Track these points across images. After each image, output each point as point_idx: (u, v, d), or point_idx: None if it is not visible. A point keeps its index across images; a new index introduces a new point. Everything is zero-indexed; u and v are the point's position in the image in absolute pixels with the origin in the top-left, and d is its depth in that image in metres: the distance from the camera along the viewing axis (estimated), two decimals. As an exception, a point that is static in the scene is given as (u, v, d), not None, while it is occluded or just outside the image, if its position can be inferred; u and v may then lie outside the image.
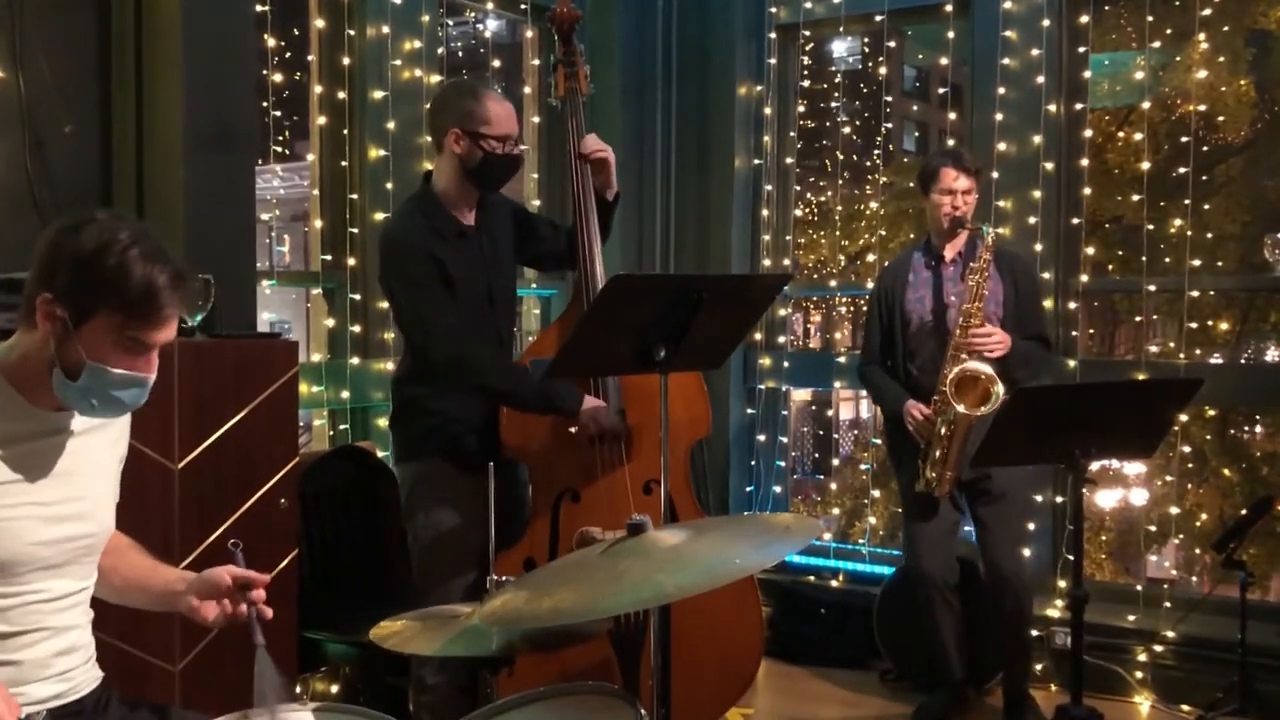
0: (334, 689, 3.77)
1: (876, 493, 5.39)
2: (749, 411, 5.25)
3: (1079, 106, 4.55)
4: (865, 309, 4.42)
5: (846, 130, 5.85)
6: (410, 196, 3.20)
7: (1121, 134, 7.81)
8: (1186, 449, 5.42)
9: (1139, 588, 4.41)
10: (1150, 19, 4.40)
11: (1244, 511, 3.92)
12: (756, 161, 5.23)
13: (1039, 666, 4.26)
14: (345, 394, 4.11)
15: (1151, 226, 4.55)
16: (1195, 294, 4.48)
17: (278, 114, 4.04)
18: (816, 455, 11.21)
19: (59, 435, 1.86)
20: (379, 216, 4.13)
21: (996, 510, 3.80)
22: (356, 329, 4.18)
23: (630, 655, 2.87)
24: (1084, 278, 4.57)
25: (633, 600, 1.78)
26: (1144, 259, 4.50)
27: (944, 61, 4.90)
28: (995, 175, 4.51)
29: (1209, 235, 7.33)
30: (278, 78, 3.98)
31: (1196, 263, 4.43)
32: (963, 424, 3.62)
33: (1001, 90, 4.55)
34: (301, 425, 3.73)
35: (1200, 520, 8.03)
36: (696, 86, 5.23)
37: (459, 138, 3.01)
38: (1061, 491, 4.46)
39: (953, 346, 3.66)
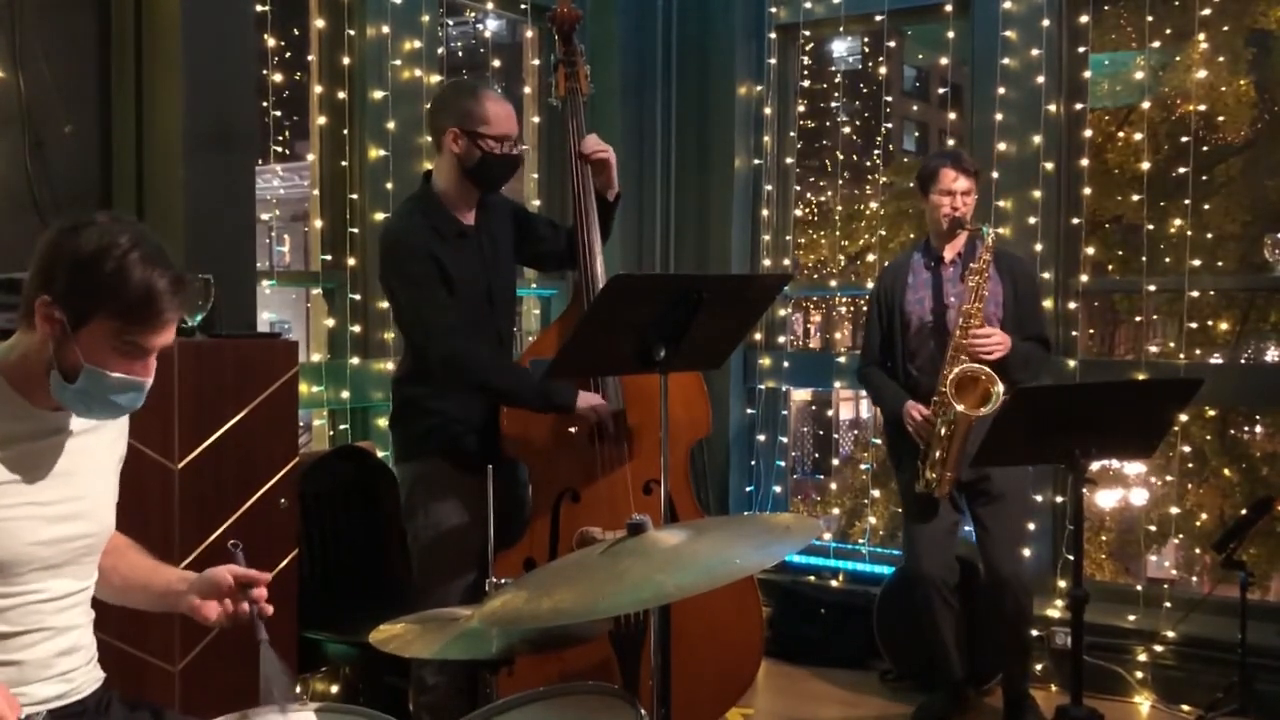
0: (334, 689, 3.78)
1: (876, 493, 5.39)
2: (749, 411, 5.24)
3: (1079, 106, 4.55)
4: (865, 309, 4.41)
5: (846, 130, 5.84)
6: (410, 196, 3.19)
7: (1121, 134, 7.81)
8: (1186, 449, 5.42)
9: (1139, 588, 4.41)
10: (1150, 19, 4.40)
11: (1244, 511, 3.91)
12: (756, 161, 5.23)
13: (1039, 667, 4.26)
14: (345, 394, 4.11)
15: (1151, 226, 4.55)
16: (1195, 294, 4.48)
17: (278, 114, 4.04)
18: (816, 455, 11.20)
19: (58, 435, 1.85)
20: (379, 216, 4.13)
21: (996, 510, 3.80)
22: (356, 329, 4.18)
23: (630, 655, 2.88)
24: (1084, 278, 4.57)
25: (633, 600, 1.78)
26: (1144, 259, 4.50)
27: (944, 61, 4.90)
28: (995, 175, 4.51)
29: (1209, 235, 7.33)
30: (278, 78, 3.98)
31: (1196, 263, 4.43)
32: (962, 424, 3.62)
33: (1001, 90, 4.55)
34: (301, 425, 3.73)
35: (1200, 520, 8.03)
36: (696, 86, 5.23)
37: (457, 137, 3.00)
38: (1061, 491, 4.46)
39: (952, 347, 3.66)
